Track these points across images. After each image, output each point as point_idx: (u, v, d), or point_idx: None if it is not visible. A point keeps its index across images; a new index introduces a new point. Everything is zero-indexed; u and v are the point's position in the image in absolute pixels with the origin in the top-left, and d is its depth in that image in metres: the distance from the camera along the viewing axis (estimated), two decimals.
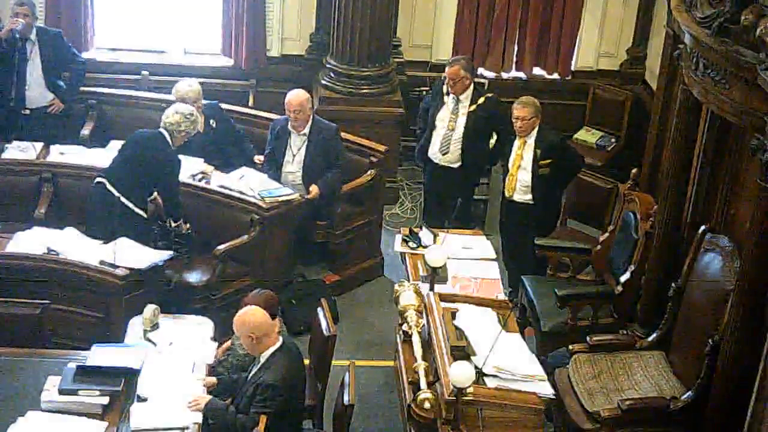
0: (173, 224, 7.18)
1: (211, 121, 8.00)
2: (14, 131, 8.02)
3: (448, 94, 7.99)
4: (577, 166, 7.81)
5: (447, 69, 7.95)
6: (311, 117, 7.83)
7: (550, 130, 7.65)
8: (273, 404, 5.33)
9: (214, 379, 5.73)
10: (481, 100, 7.97)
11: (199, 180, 7.57)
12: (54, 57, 8.11)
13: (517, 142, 7.53)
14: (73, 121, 8.33)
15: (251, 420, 5.32)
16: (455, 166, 8.07)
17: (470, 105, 7.96)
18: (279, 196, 7.41)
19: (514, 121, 7.46)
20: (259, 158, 8.05)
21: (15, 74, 7.94)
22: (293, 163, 7.81)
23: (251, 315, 5.48)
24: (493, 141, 8.16)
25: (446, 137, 7.99)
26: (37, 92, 8.09)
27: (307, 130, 7.79)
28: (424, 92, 9.10)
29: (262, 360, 5.48)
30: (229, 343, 6.06)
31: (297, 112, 7.71)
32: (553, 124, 8.10)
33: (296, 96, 7.74)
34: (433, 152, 8.09)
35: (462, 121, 7.94)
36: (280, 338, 5.52)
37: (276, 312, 5.93)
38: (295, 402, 5.57)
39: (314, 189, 7.72)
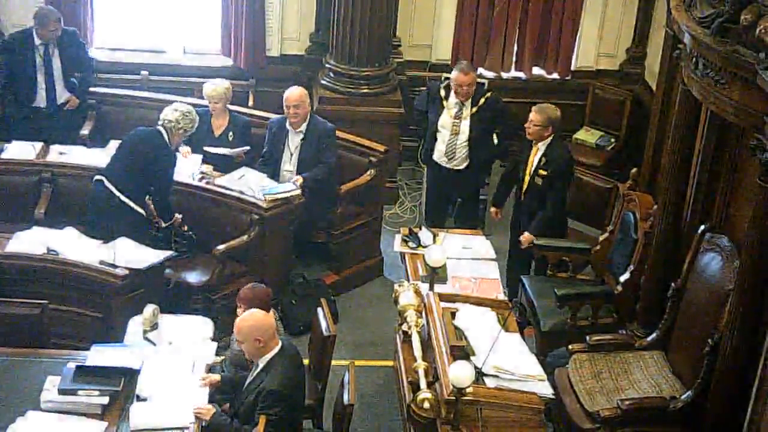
0: (164, 224, 7.17)
1: (230, 134, 7.96)
2: (42, 131, 8.12)
3: (447, 98, 7.92)
4: (567, 182, 7.55)
5: (461, 76, 7.74)
6: (309, 115, 7.80)
7: (562, 144, 7.54)
8: (277, 410, 5.25)
9: (217, 377, 5.67)
10: (482, 100, 7.92)
11: (200, 180, 7.57)
12: (72, 56, 8.28)
13: (533, 148, 7.41)
14: (73, 121, 8.35)
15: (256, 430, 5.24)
16: (462, 167, 8.02)
17: (472, 107, 7.90)
18: (281, 192, 7.39)
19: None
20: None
21: (38, 75, 8.16)
22: (290, 162, 7.79)
23: (258, 318, 5.39)
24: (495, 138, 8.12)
25: (451, 143, 7.91)
26: (58, 91, 8.25)
27: (304, 128, 7.76)
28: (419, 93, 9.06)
29: (261, 364, 5.39)
30: (218, 378, 5.74)
31: (297, 107, 7.66)
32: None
33: (295, 91, 7.72)
34: (439, 157, 8.03)
35: (466, 124, 7.88)
36: (280, 341, 5.46)
37: (270, 306, 5.86)
38: (296, 403, 5.53)
39: (299, 178, 7.60)
